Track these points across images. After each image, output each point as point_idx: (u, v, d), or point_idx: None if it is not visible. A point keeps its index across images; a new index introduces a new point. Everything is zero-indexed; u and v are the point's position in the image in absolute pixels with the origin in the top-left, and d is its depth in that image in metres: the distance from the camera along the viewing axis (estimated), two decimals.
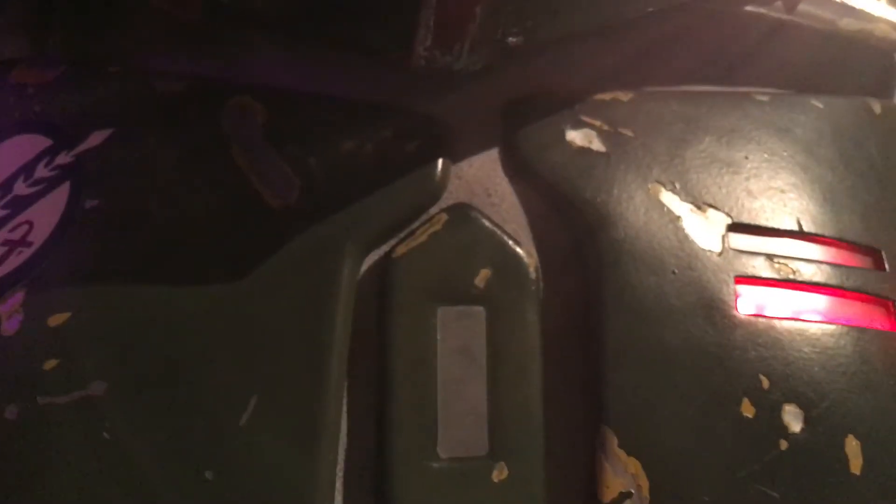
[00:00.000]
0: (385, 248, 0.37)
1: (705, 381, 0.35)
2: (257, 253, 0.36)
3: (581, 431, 0.35)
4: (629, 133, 0.39)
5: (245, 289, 0.35)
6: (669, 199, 0.38)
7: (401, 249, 0.36)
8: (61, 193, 0.38)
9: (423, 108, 0.39)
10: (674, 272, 0.37)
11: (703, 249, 0.37)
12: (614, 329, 0.36)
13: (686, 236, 0.38)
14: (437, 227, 0.36)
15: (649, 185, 0.38)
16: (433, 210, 0.37)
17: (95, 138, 0.39)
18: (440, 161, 0.38)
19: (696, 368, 0.35)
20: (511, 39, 0.34)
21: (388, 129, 0.38)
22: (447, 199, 0.38)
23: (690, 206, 0.38)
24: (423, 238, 0.36)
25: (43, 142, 0.39)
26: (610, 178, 0.38)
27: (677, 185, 0.39)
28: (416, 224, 0.37)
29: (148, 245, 0.36)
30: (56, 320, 0.35)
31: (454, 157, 0.38)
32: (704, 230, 0.38)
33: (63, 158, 0.38)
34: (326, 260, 0.35)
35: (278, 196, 0.37)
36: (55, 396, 0.34)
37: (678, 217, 0.38)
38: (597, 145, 0.39)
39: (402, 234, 0.37)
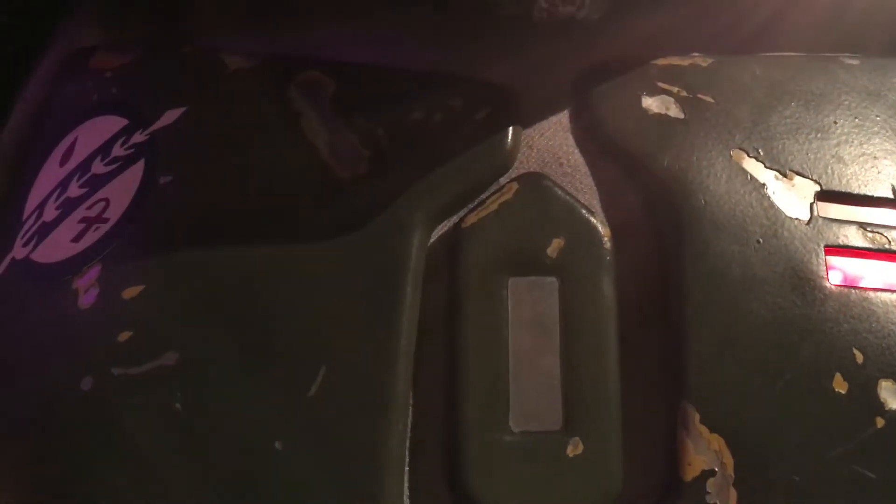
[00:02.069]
0: (455, 218, 0.36)
1: (794, 355, 0.33)
2: (327, 224, 0.35)
3: (660, 406, 0.34)
4: (709, 99, 0.38)
5: (315, 260, 0.35)
6: (753, 166, 0.36)
7: (471, 219, 0.35)
8: (136, 170, 0.38)
9: (493, 78, 0.38)
10: (759, 241, 0.35)
11: (791, 218, 0.35)
12: (695, 300, 0.34)
13: (772, 204, 0.36)
14: (508, 196, 0.36)
15: (731, 152, 0.37)
16: (503, 180, 0.36)
17: (169, 116, 0.39)
18: (510, 130, 0.37)
19: (784, 341, 0.33)
20: None
21: (456, 99, 0.37)
22: (518, 169, 0.37)
23: (776, 174, 0.36)
24: (494, 207, 0.35)
25: (119, 122, 0.40)
26: (689, 145, 0.37)
27: (761, 152, 0.37)
28: (487, 194, 0.36)
29: (219, 218, 0.36)
30: (130, 293, 0.35)
31: (525, 126, 0.37)
32: (791, 198, 0.36)
33: (138, 137, 0.39)
34: (396, 230, 0.35)
35: (347, 167, 0.36)
36: (129, 367, 0.34)
37: (763, 184, 0.36)
38: (675, 112, 0.37)
39: (472, 205, 0.36)
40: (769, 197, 0.36)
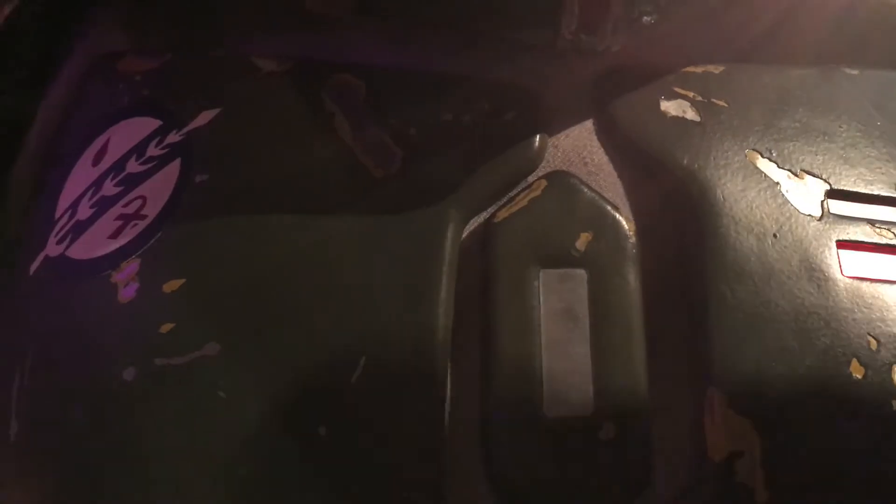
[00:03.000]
0: (486, 214, 0.37)
1: (812, 342, 0.35)
2: (363, 220, 0.36)
3: (687, 392, 0.35)
4: (722, 103, 0.40)
5: (351, 255, 0.36)
6: (766, 165, 0.38)
7: (502, 214, 0.37)
8: (172, 169, 0.39)
9: (519, 82, 0.39)
10: (775, 236, 0.37)
11: (803, 214, 0.37)
12: (716, 290, 0.36)
13: (786, 201, 0.38)
14: (537, 192, 0.37)
15: (746, 153, 0.38)
16: (532, 178, 0.38)
17: (204, 117, 0.40)
18: (537, 131, 0.38)
19: (803, 329, 0.35)
20: (646, 18, 0.35)
21: (484, 102, 0.39)
22: (545, 168, 0.38)
23: (788, 173, 0.38)
24: (524, 203, 0.37)
25: (153, 123, 0.41)
26: (706, 145, 0.38)
27: (774, 153, 0.39)
28: (516, 191, 0.38)
29: (256, 216, 0.37)
30: (171, 286, 0.36)
31: (550, 127, 0.39)
32: (803, 196, 0.38)
33: (173, 137, 0.40)
34: (430, 225, 0.36)
35: (381, 166, 0.38)
36: (171, 358, 0.35)
37: (776, 183, 0.38)
38: (691, 115, 0.39)
39: (502, 201, 0.37)
40: (783, 194, 0.38)
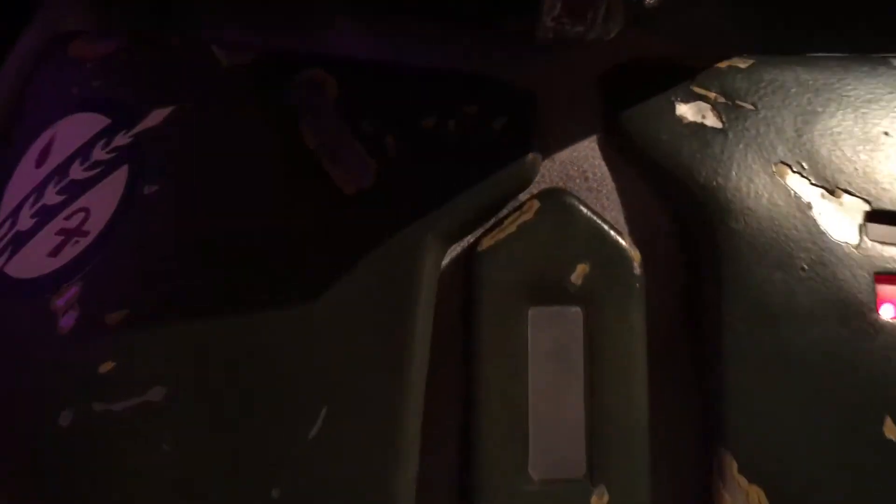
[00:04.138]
0: (470, 238, 0.33)
1: (841, 396, 0.30)
2: (328, 244, 0.32)
3: (694, 452, 0.31)
4: (749, 106, 0.34)
5: (315, 287, 0.32)
6: (797, 182, 0.33)
7: (487, 241, 0.32)
8: (119, 178, 0.35)
9: (512, 80, 0.34)
10: (803, 268, 0.32)
11: (838, 242, 0.32)
12: (733, 333, 0.31)
13: (817, 226, 0.32)
14: (528, 215, 0.32)
15: (773, 167, 0.33)
16: (523, 196, 0.33)
17: (155, 117, 0.35)
18: (531, 139, 0.33)
19: (830, 381, 0.31)
20: (648, 1, 0.29)
21: (472, 104, 0.34)
22: (539, 184, 0.33)
23: (822, 191, 0.33)
24: (512, 229, 0.32)
25: (101, 121, 0.36)
26: (727, 158, 0.33)
27: (806, 166, 0.33)
28: (505, 212, 0.33)
29: (210, 237, 0.33)
30: (113, 318, 0.32)
31: (547, 135, 0.34)
32: (838, 219, 0.33)
33: (121, 139, 0.35)
34: (404, 253, 0.32)
35: (352, 180, 0.33)
36: (111, 403, 0.31)
37: (808, 204, 0.33)
38: (711, 120, 0.34)
39: (488, 224, 0.33)
40: (814, 218, 0.33)
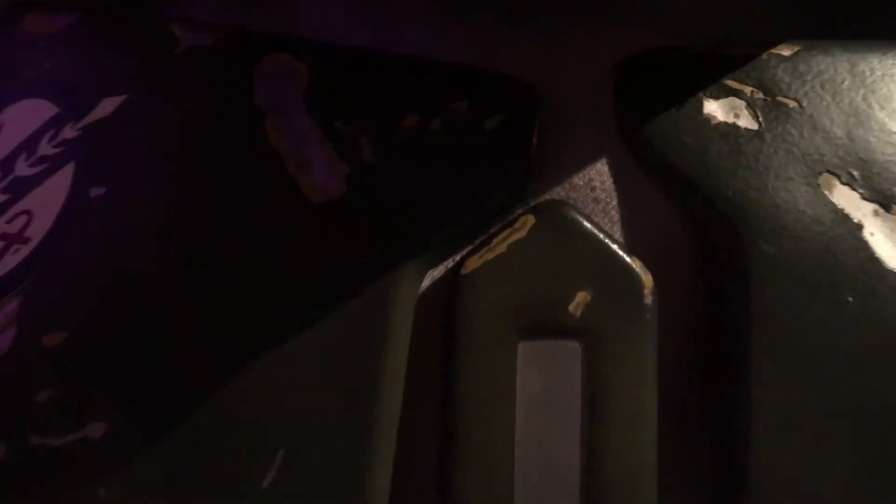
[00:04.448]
0: (454, 259, 0.28)
1: (889, 454, 0.26)
2: (291, 263, 0.28)
3: None
4: (791, 102, 0.29)
5: (274, 312, 0.28)
6: (847, 196, 0.28)
7: (472, 263, 0.27)
8: (64, 177, 0.31)
9: (509, 71, 0.29)
10: (849, 300, 0.27)
11: (892, 270, 0.27)
12: (763, 379, 0.26)
13: (868, 250, 0.27)
14: (521, 233, 0.28)
15: (818, 178, 0.28)
16: (517, 210, 0.28)
17: (106, 106, 0.31)
18: (529, 142, 0.28)
19: (878, 436, 0.26)
20: None
21: (461, 100, 0.29)
22: (536, 195, 0.29)
23: (875, 207, 0.28)
24: (502, 248, 0.27)
25: (48, 109, 0.32)
26: (763, 166, 0.28)
27: (857, 176, 0.28)
28: (495, 228, 0.28)
29: (161, 248, 0.29)
30: (51, 340, 0.28)
31: (548, 137, 0.29)
32: (894, 241, 0.27)
33: (69, 132, 0.31)
34: (376, 276, 0.27)
35: (320, 188, 0.28)
36: (48, 437, 0.28)
37: (858, 224, 0.27)
38: (746, 120, 0.29)
39: (474, 243, 0.28)
40: (866, 240, 0.27)
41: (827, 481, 0.26)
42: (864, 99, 0.29)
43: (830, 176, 0.28)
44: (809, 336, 0.27)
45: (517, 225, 0.28)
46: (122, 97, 0.31)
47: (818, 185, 0.28)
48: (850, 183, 0.28)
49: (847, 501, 0.26)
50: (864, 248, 0.27)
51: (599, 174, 0.29)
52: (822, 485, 0.26)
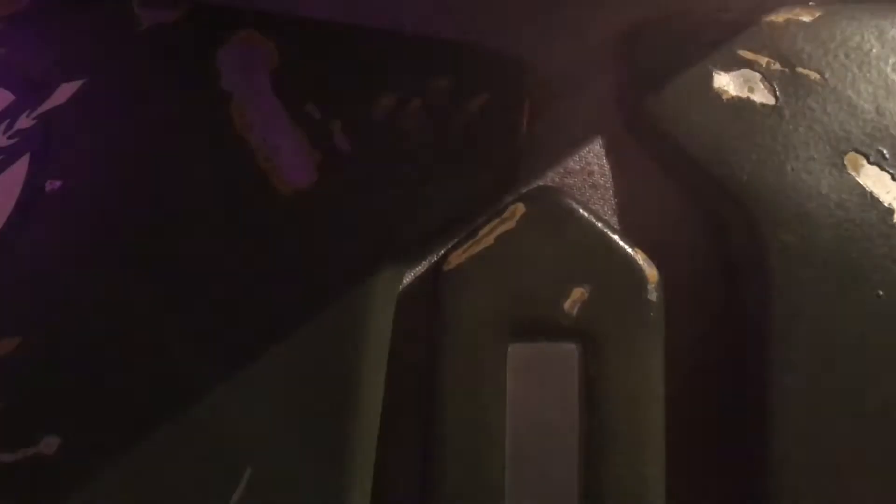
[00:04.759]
0: (437, 253, 0.26)
1: None
2: (257, 266, 0.25)
3: None
4: (813, 74, 0.26)
5: (241, 315, 0.25)
6: (875, 177, 0.25)
7: (456, 258, 0.25)
8: (19, 170, 0.28)
9: (497, 46, 0.26)
10: (879, 294, 0.24)
11: None
12: (782, 375, 0.23)
13: None
14: (510, 223, 0.25)
15: (844, 157, 0.25)
16: (507, 198, 0.26)
17: (63, 93, 0.29)
18: (518, 123, 0.26)
19: None
20: None
21: (442, 77, 0.26)
22: (527, 181, 0.26)
23: None
24: (489, 241, 0.25)
25: (5, 97, 0.30)
26: (782, 145, 0.25)
27: (888, 155, 0.25)
28: (481, 219, 0.25)
29: (119, 246, 0.26)
30: (3, 347, 0.26)
31: (539, 116, 0.26)
32: None
33: (24, 121, 0.29)
34: (352, 274, 0.25)
35: (289, 177, 0.26)
36: (2, 452, 0.25)
37: (889, 208, 0.24)
38: (761, 94, 0.26)
39: (459, 235, 0.25)
40: None
41: (855, 487, 0.23)
42: (895, 69, 0.26)
43: (857, 155, 0.25)
44: (835, 335, 0.24)
45: (505, 215, 0.25)
46: (80, 82, 0.29)
47: (843, 165, 0.25)
48: (880, 162, 0.25)
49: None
50: (895, 233, 0.24)
51: (598, 157, 0.26)
52: (850, 491, 0.23)
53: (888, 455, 0.23)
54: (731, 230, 0.25)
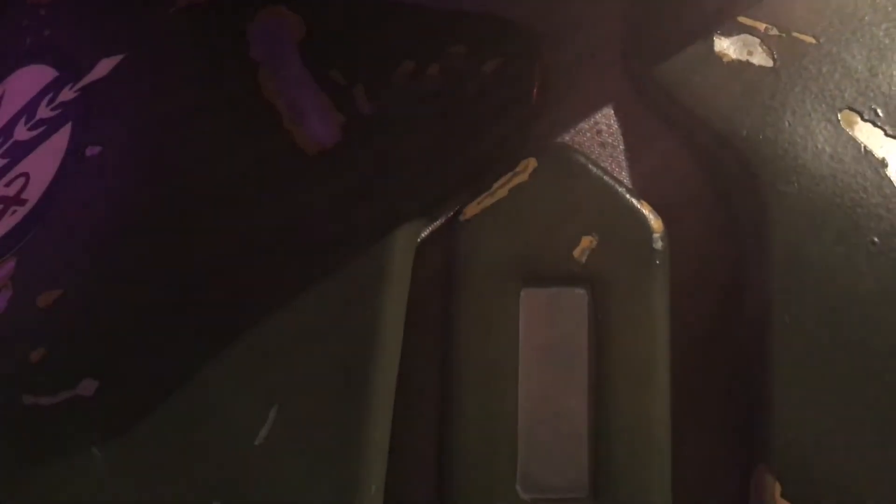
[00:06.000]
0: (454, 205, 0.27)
1: None
2: (284, 220, 0.27)
3: (725, 469, 0.25)
4: (809, 38, 0.27)
5: (268, 265, 0.27)
6: (869, 133, 0.26)
7: (472, 209, 0.26)
8: (61, 138, 0.30)
9: (508, 13, 0.28)
10: (874, 242, 0.25)
11: None
12: (783, 325, 0.25)
13: (893, 188, 0.26)
14: (523, 177, 0.26)
15: (839, 114, 0.26)
16: (520, 155, 0.27)
17: (103, 67, 0.31)
18: (530, 85, 0.27)
19: None
20: None
21: (459, 44, 0.28)
22: (539, 138, 0.27)
23: None
24: (503, 193, 0.26)
25: (48, 73, 0.32)
26: (780, 103, 0.26)
27: (881, 113, 0.26)
28: (495, 173, 0.27)
29: (153, 208, 0.28)
30: (45, 299, 0.28)
31: (550, 78, 0.28)
32: None
33: (67, 94, 0.31)
34: (372, 226, 0.26)
35: (315, 139, 0.28)
36: (40, 396, 0.27)
37: (882, 161, 0.26)
38: (760, 57, 0.27)
39: (475, 189, 0.27)
40: (890, 178, 0.26)
41: (852, 436, 0.24)
42: (888, 33, 0.27)
43: (851, 112, 0.26)
44: (833, 281, 0.25)
45: (518, 168, 0.26)
46: (119, 58, 0.31)
47: (838, 121, 0.26)
48: (874, 120, 0.26)
49: (873, 458, 0.24)
50: (889, 185, 0.26)
51: (606, 118, 0.27)
52: (846, 440, 0.24)
53: (889, 399, 0.25)
54: (733, 183, 0.26)
